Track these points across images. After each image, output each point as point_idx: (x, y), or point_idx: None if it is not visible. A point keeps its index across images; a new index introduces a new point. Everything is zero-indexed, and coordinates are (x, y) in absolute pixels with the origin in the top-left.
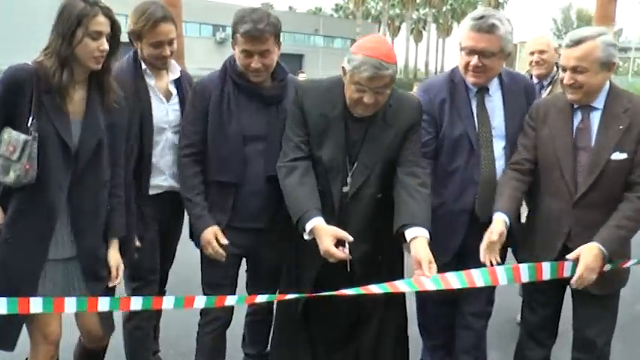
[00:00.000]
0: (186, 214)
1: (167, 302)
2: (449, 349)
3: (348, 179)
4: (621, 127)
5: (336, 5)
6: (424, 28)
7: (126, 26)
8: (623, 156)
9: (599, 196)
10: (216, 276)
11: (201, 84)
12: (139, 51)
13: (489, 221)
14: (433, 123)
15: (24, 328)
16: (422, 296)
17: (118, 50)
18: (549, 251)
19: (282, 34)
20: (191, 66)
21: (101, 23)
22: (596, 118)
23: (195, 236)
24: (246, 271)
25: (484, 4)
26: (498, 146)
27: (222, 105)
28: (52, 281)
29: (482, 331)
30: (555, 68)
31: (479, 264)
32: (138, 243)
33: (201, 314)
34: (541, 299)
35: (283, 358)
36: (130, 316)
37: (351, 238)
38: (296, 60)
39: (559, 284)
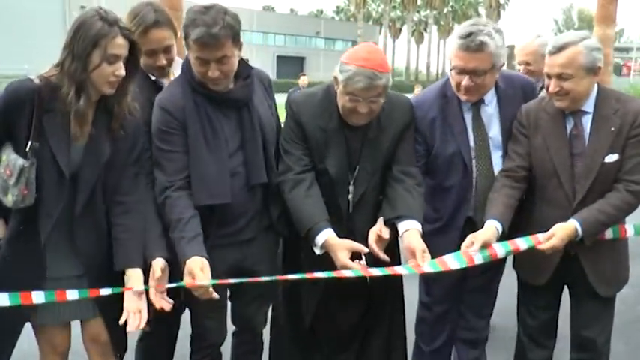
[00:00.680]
0: None
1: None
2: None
3: (351, 187)
4: (613, 128)
5: (338, 8)
6: (425, 30)
7: None
8: (615, 157)
9: (594, 199)
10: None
11: (166, 101)
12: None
13: None
14: (423, 142)
15: (25, 340)
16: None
17: (136, 74)
18: (548, 260)
19: (283, 37)
20: None
21: (120, 46)
22: (587, 122)
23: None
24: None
25: (485, 6)
26: (496, 156)
27: (203, 121)
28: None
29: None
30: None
31: (476, 278)
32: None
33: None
34: (540, 303)
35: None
36: (142, 337)
37: (366, 250)
38: (297, 62)
39: (558, 285)
